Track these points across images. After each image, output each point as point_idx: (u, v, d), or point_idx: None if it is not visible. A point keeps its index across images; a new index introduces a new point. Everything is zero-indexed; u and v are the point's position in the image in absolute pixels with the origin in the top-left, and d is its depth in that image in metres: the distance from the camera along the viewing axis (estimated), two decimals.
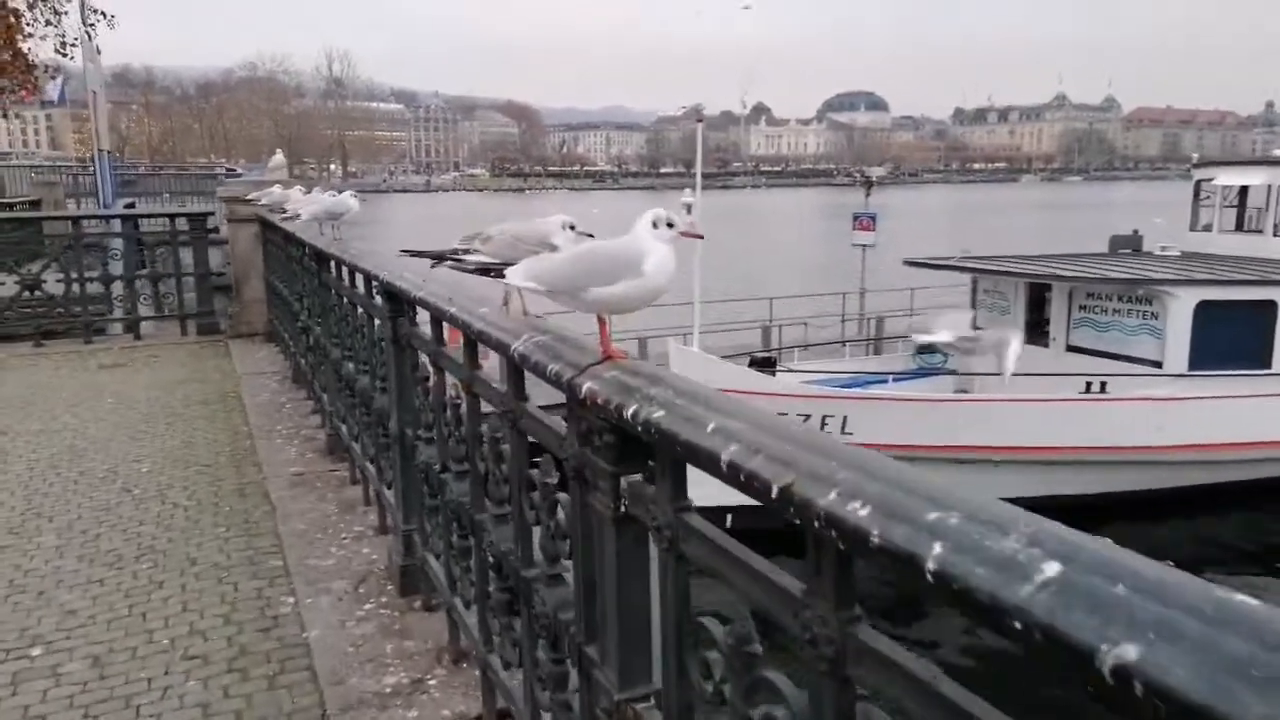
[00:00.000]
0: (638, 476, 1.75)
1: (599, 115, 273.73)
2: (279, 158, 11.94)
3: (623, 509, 1.75)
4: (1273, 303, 14.09)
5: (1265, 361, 14.08)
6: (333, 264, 5.22)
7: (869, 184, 24.81)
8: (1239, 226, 18.55)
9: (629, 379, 1.65)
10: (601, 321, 1.87)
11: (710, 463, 1.29)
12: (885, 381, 15.68)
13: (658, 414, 1.47)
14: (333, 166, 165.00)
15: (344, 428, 5.39)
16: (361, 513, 4.91)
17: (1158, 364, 14.15)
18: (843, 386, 14.99)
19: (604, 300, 1.82)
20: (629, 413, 1.54)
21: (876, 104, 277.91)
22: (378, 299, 4.00)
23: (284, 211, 6.85)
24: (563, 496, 2.13)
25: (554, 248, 2.34)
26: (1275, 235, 17.54)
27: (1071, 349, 15.55)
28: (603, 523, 1.83)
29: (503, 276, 2.01)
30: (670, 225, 1.81)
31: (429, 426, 3.41)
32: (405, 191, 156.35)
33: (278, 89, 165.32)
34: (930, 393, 14.64)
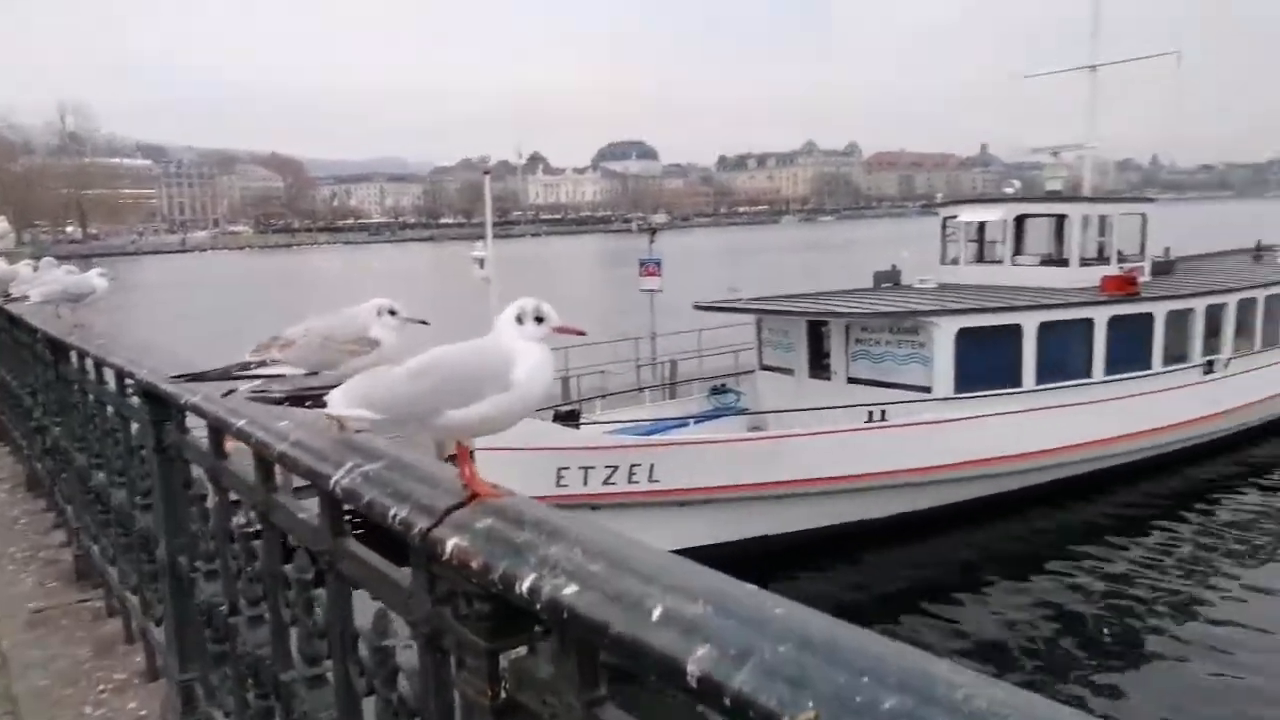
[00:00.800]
0: (523, 649, 1.34)
1: (371, 166, 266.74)
2: (2, 224, 10.25)
3: (503, 694, 1.33)
4: (1018, 326, 15.55)
5: (1017, 380, 15.48)
6: (74, 355, 4.35)
7: (653, 230, 25.34)
8: (980, 258, 20.51)
9: (513, 532, 1.24)
10: (462, 449, 1.45)
11: (667, 672, 0.92)
12: (686, 425, 15.82)
13: (569, 590, 1.08)
14: (70, 228, 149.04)
15: (96, 548, 4.48)
16: (123, 654, 4.04)
17: (927, 389, 15.17)
18: (645, 434, 14.97)
19: (465, 425, 1.40)
20: (523, 586, 1.14)
21: (647, 153, 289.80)
22: (134, 399, 3.29)
23: (7, 294, 5.76)
24: (407, 661, 1.66)
25: (375, 343, 1.89)
26: (1012, 265, 19.55)
27: (852, 380, 16.39)
28: (474, 710, 1.40)
29: (321, 405, 1.53)
30: (540, 320, 1.44)
31: (210, 557, 2.77)
32: (157, 253, 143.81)
33: (1, 146, 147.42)
34: (728, 433, 14.90)
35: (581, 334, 1.53)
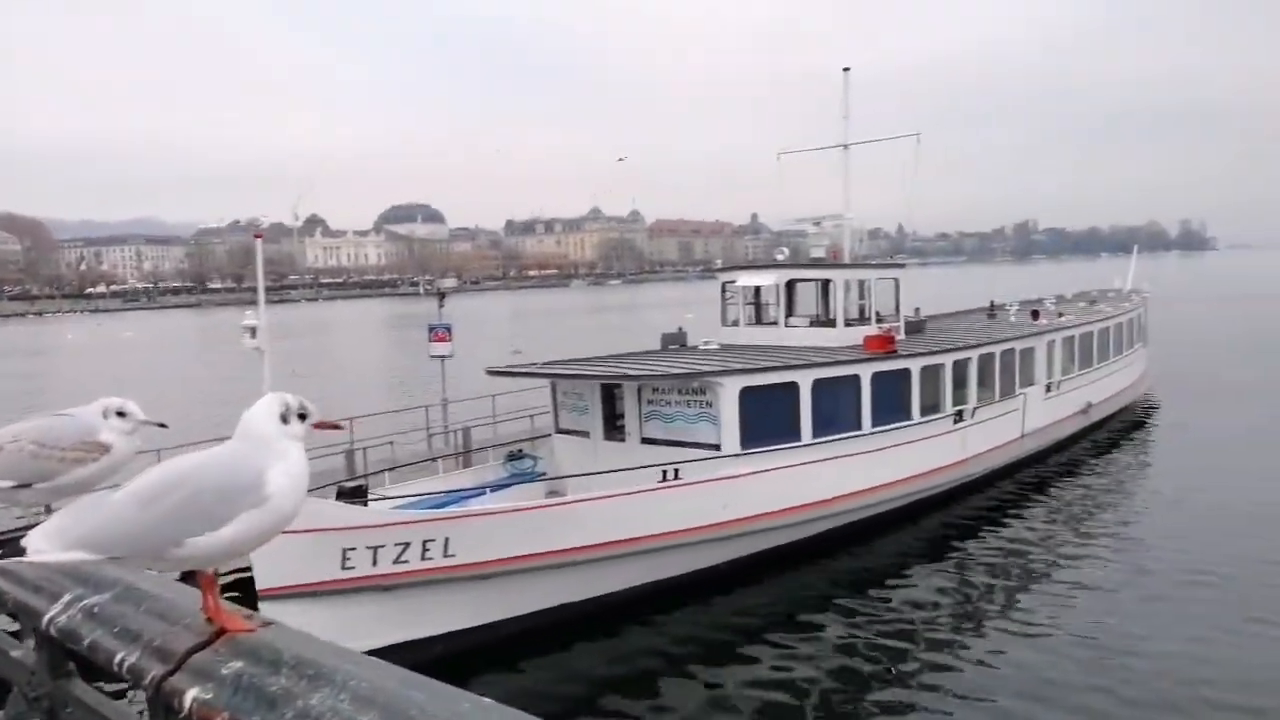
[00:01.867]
0: None
1: (125, 228, 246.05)
2: None
3: None
4: (795, 384, 16.47)
5: (796, 434, 16.33)
6: None
7: (441, 294, 24.85)
8: (758, 320, 21.69)
9: (267, 677, 1.05)
10: (206, 577, 1.23)
11: None
12: (482, 494, 15.42)
13: None
14: None
15: None
16: None
17: (716, 447, 15.66)
18: (439, 506, 14.43)
19: (213, 553, 1.18)
20: None
21: (433, 216, 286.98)
22: None
23: None
24: None
25: (105, 448, 1.62)
26: (786, 326, 20.82)
27: (645, 441, 16.65)
28: None
29: (17, 552, 1.23)
30: (303, 416, 1.26)
31: None
32: None
33: None
34: (526, 501, 14.64)
35: (339, 428, 1.37)
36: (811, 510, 15.86)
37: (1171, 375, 35.24)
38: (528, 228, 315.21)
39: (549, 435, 18.74)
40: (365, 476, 16.16)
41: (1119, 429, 26.95)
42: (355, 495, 13.20)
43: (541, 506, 13.67)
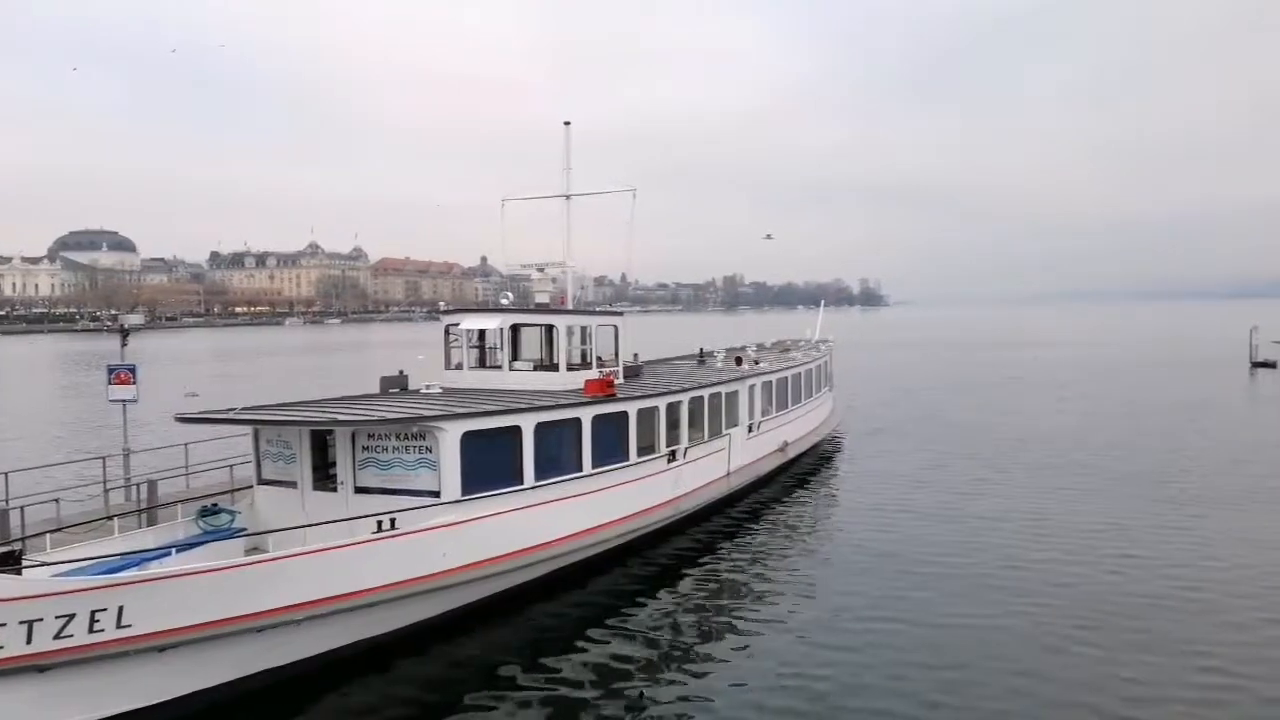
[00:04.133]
0: None
1: None
2: None
3: None
4: (518, 428, 16.49)
5: (519, 477, 16.33)
6: None
7: (125, 332, 22.26)
8: (482, 364, 21.58)
9: None
10: None
11: None
12: (168, 554, 13.83)
13: None
14: None
15: None
16: None
17: (437, 494, 15.23)
18: (113, 571, 12.75)
19: None
20: None
21: (122, 244, 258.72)
22: None
23: None
24: None
25: None
26: (510, 370, 20.89)
27: (360, 490, 15.84)
28: None
29: None
30: None
31: None
32: None
33: None
34: (220, 560, 13.33)
35: None
36: (535, 554, 15.88)
37: (853, 414, 39.63)
38: (236, 261, 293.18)
39: (250, 487, 17.29)
40: (21, 540, 13.95)
41: (810, 465, 29.72)
42: (6, 562, 11.31)
43: (236, 565, 12.49)
